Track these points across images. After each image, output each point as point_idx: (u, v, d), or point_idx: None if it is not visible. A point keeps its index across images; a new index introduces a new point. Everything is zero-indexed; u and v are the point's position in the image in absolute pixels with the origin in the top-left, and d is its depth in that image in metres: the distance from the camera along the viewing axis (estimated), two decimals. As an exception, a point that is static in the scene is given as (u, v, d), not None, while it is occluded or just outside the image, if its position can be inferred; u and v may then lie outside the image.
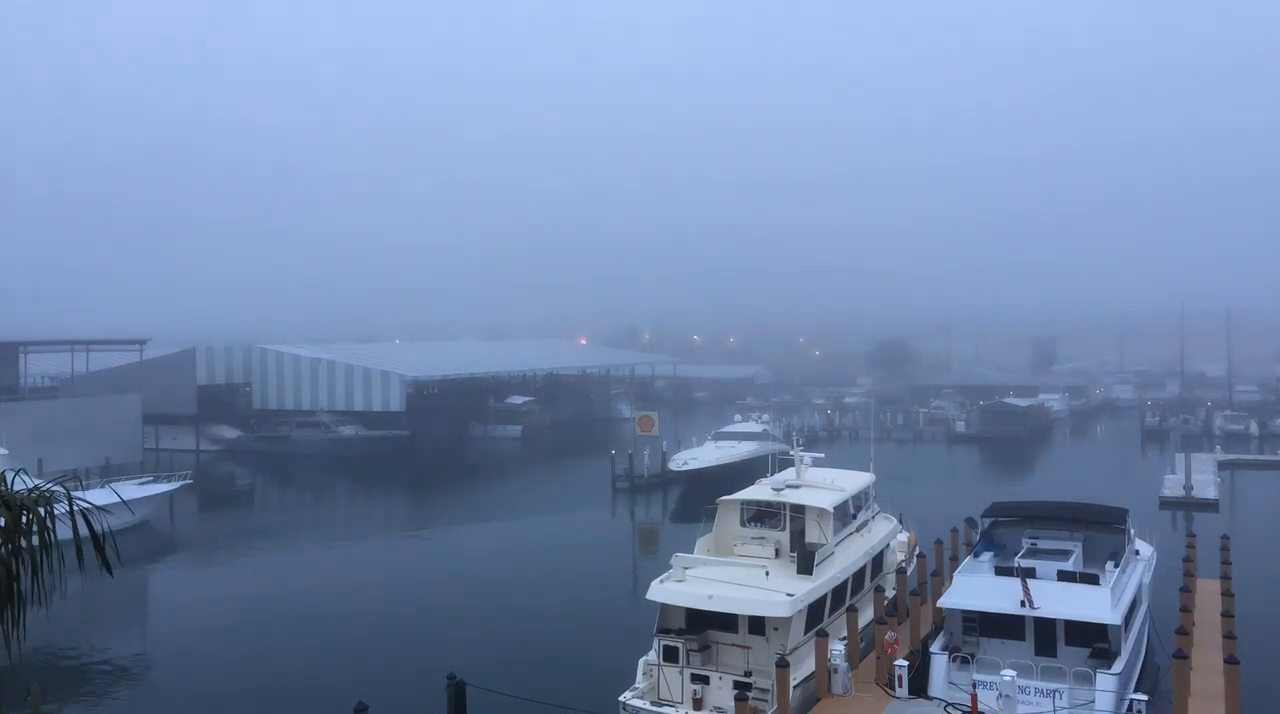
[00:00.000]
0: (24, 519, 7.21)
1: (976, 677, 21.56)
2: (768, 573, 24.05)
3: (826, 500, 27.12)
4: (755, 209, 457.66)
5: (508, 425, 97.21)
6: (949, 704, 21.45)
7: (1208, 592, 29.56)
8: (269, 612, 35.46)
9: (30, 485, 7.61)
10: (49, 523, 7.32)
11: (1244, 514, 54.69)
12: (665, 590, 23.74)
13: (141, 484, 51.56)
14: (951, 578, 26.33)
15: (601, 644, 29.63)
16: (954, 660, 22.65)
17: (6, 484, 7.49)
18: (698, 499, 43.70)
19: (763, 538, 27.07)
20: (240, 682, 27.99)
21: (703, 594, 23.15)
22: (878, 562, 29.33)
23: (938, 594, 28.37)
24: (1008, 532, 28.11)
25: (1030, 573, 23.48)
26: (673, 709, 22.06)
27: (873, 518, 31.20)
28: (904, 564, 31.08)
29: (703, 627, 23.43)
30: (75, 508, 7.32)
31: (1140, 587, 25.95)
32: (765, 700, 21.55)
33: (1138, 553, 28.30)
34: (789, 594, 22.80)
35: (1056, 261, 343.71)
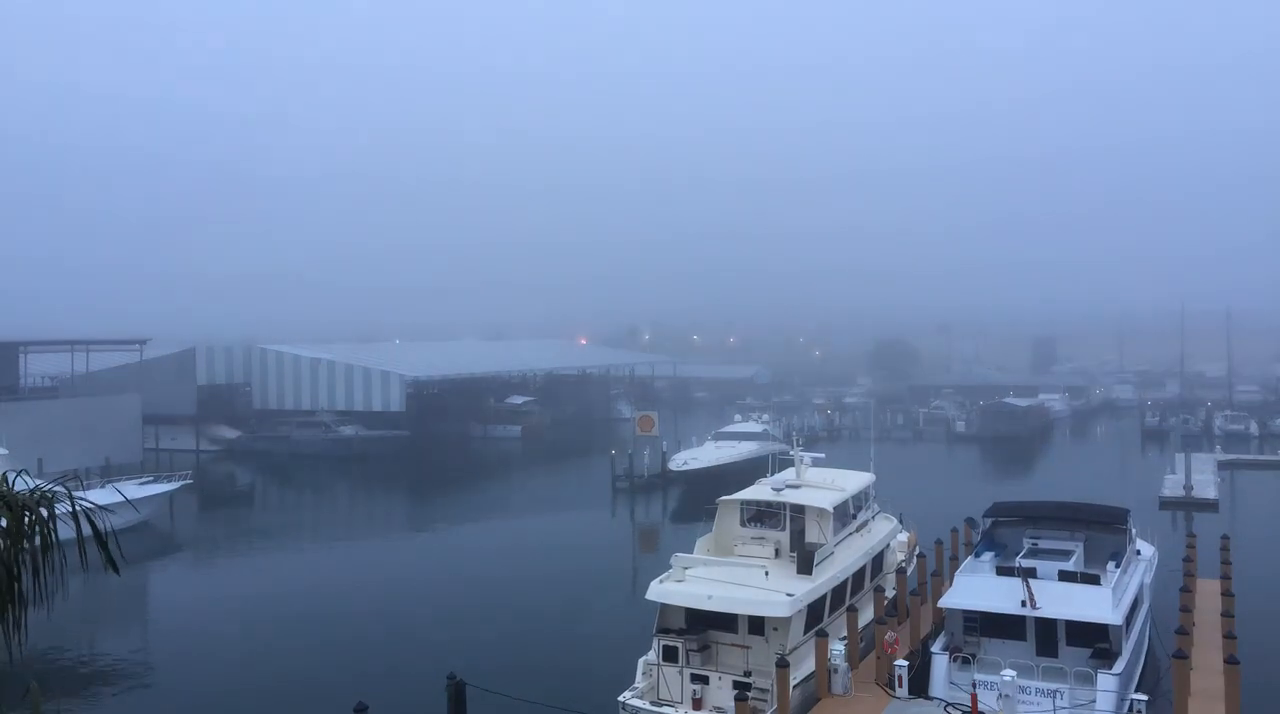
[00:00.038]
0: (26, 519, 7.21)
1: (977, 676, 21.56)
2: (767, 573, 24.05)
3: (826, 500, 27.13)
4: (755, 209, 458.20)
5: (508, 425, 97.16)
6: (949, 704, 21.45)
7: (1208, 592, 29.55)
8: (269, 612, 35.46)
9: (31, 486, 7.61)
10: (50, 523, 7.32)
11: (1244, 514, 54.69)
12: (665, 590, 23.75)
13: (141, 484, 51.54)
14: (952, 578, 26.34)
15: (601, 644, 29.64)
16: (955, 660, 22.66)
17: (8, 484, 7.49)
18: (698, 499, 43.72)
19: (763, 538, 27.08)
20: (240, 682, 27.99)
21: (702, 594, 23.16)
22: (878, 562, 29.33)
23: (938, 594, 28.38)
24: (1009, 532, 28.11)
25: (1031, 573, 23.49)
26: (672, 709, 22.06)
27: (873, 518, 31.20)
28: (904, 564, 31.09)
29: (702, 627, 23.43)
30: (78, 508, 7.33)
31: (1142, 587, 25.95)
32: (765, 700, 21.55)
33: (1139, 553, 28.30)
34: (789, 594, 22.81)
35: (1056, 261, 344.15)
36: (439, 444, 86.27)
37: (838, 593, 25.45)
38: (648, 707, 22.13)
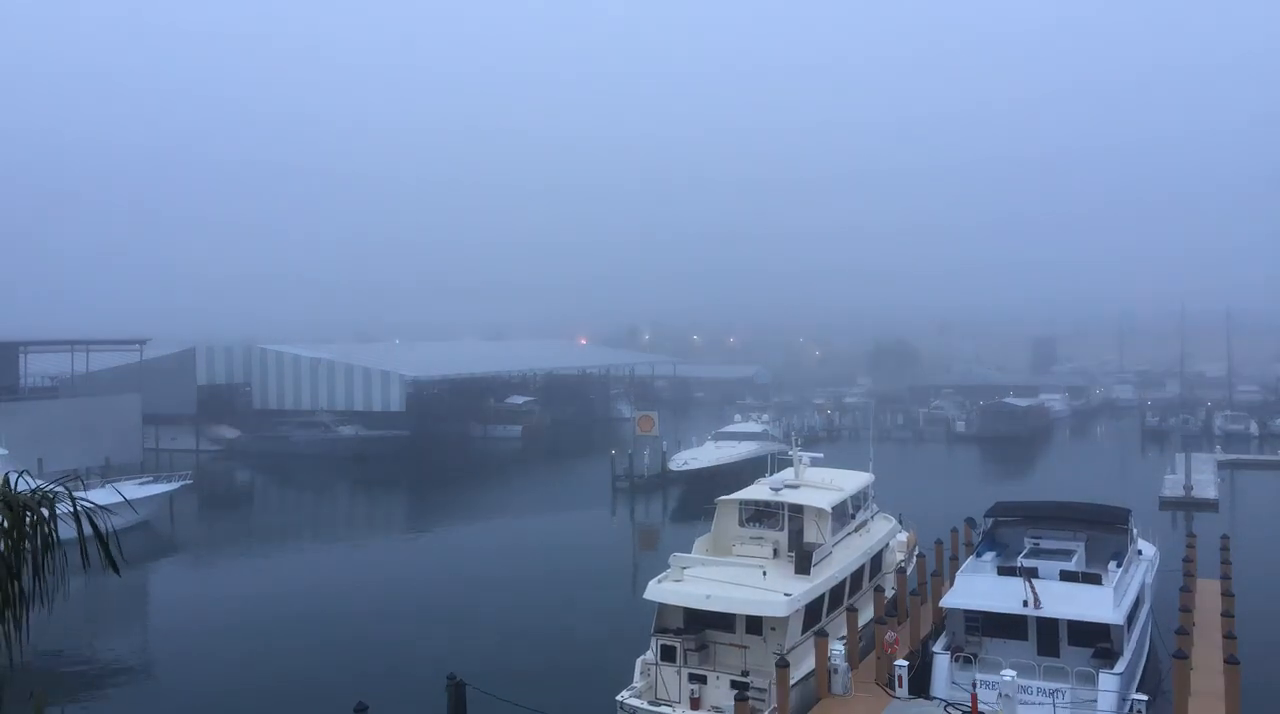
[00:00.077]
0: (26, 520, 7.22)
1: (978, 676, 21.57)
2: (765, 573, 24.06)
3: (824, 500, 27.14)
4: (755, 209, 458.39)
5: (508, 425, 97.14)
6: (950, 704, 21.46)
7: (1208, 592, 29.56)
8: (269, 612, 35.47)
9: (32, 486, 7.62)
10: (51, 523, 7.33)
11: (1244, 514, 54.68)
12: (663, 590, 23.76)
13: (141, 484, 51.53)
14: (952, 578, 26.36)
15: (599, 644, 29.64)
16: (956, 660, 22.67)
17: (8, 484, 7.50)
18: (697, 499, 43.71)
19: (761, 538, 27.10)
20: (241, 682, 28.00)
21: (700, 594, 23.17)
22: (877, 561, 29.34)
23: (938, 594, 28.40)
24: (1010, 531, 28.13)
25: (1033, 573, 23.50)
26: (670, 709, 22.07)
27: (871, 518, 31.22)
28: (903, 564, 31.11)
29: (700, 626, 23.45)
30: (78, 508, 7.34)
31: (1143, 586, 25.96)
32: (763, 700, 21.56)
33: (1140, 553, 28.30)
34: (786, 594, 22.82)
35: (1056, 262, 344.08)
36: (439, 444, 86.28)
37: (836, 593, 25.46)
38: (646, 706, 22.14)
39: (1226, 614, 25.23)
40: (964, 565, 26.54)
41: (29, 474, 7.94)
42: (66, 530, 7.39)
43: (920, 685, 22.81)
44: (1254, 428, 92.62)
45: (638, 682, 23.00)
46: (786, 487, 28.02)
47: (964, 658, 22.78)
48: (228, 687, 27.59)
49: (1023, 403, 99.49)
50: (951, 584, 25.64)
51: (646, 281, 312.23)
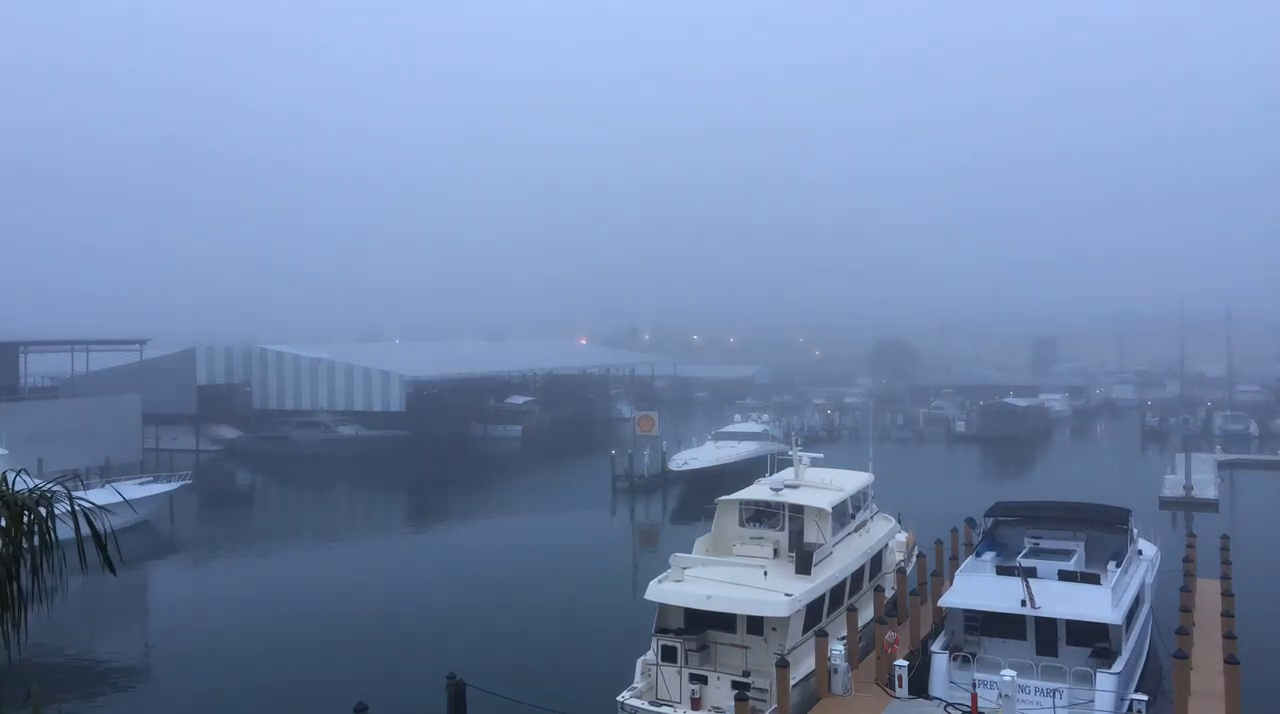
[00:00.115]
0: (25, 519, 7.22)
1: (977, 676, 21.58)
2: (766, 573, 24.07)
3: (825, 500, 27.15)
4: (755, 208, 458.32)
5: (508, 425, 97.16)
6: (949, 704, 21.46)
7: (1208, 592, 29.56)
8: (269, 612, 35.47)
9: (31, 485, 7.61)
10: (50, 523, 7.32)
11: (1244, 514, 54.69)
12: (663, 590, 23.76)
13: (141, 484, 51.55)
14: (952, 578, 26.35)
15: (600, 644, 29.65)
16: (955, 660, 22.68)
17: (7, 484, 7.50)
18: (697, 499, 43.76)
19: (761, 538, 27.10)
20: (240, 682, 28.00)
21: (701, 594, 23.17)
22: (877, 562, 29.35)
23: (937, 594, 28.39)
24: (1010, 531, 28.15)
25: (1032, 572, 23.51)
26: (671, 709, 22.08)
27: (871, 518, 31.23)
28: (903, 564, 31.12)
29: (701, 626, 23.45)
30: (77, 508, 7.33)
31: (1143, 586, 25.96)
32: (764, 700, 21.56)
33: (1140, 553, 28.30)
34: (787, 594, 22.82)
35: (1056, 262, 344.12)
36: (439, 444, 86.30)
37: (836, 593, 25.47)
38: (646, 706, 22.14)
39: (1226, 614, 25.23)
40: (963, 565, 26.55)
41: (27, 473, 7.93)
42: (66, 530, 7.39)
43: (920, 685, 22.81)
44: (1254, 428, 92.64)
45: (638, 682, 23.00)
46: (787, 487, 28.02)
47: (963, 658, 22.79)
48: (227, 686, 27.59)
49: (1023, 403, 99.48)
50: (951, 584, 25.64)
51: (647, 281, 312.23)
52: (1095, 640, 22.11)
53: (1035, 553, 26.17)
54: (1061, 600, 22.56)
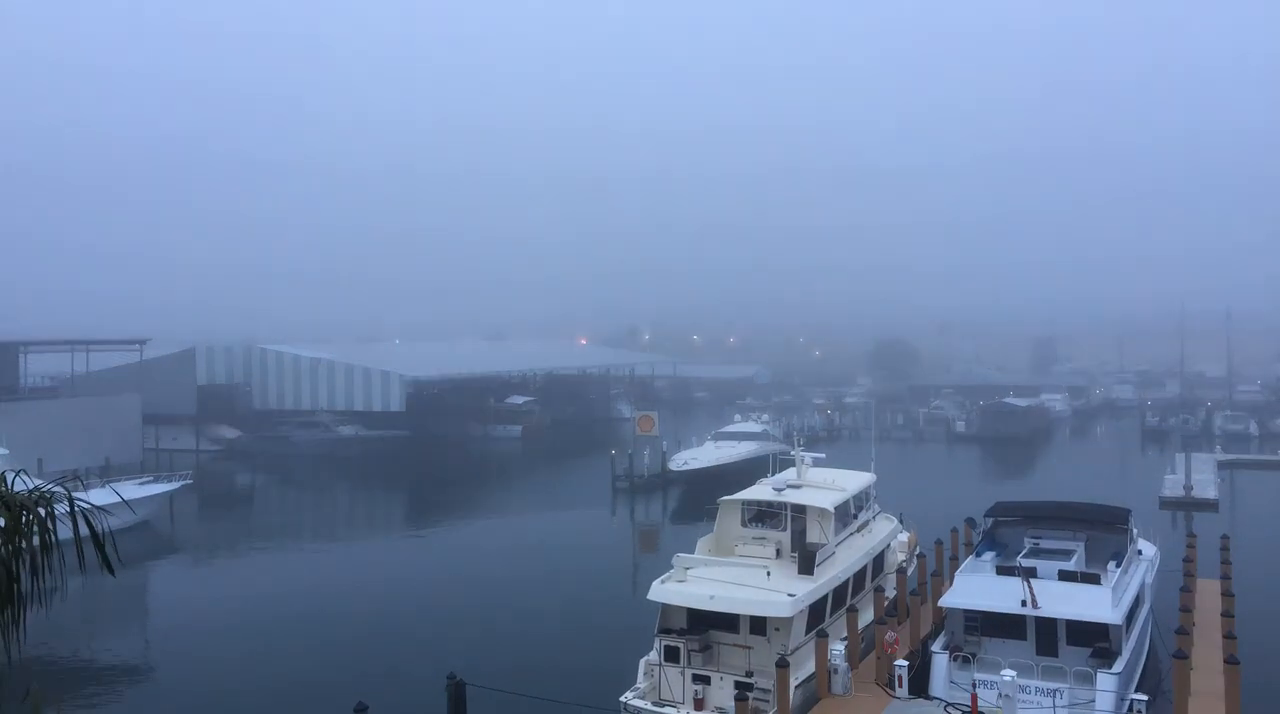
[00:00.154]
0: (24, 519, 7.20)
1: (978, 676, 21.57)
2: (769, 573, 24.05)
3: (827, 501, 27.13)
4: (755, 207, 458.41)
5: (508, 425, 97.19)
6: (949, 704, 21.45)
7: (1208, 592, 29.55)
8: (269, 612, 35.46)
9: (31, 486, 7.60)
10: (50, 523, 7.31)
11: (1244, 514, 54.68)
12: (666, 590, 23.75)
13: (141, 484, 51.55)
14: (952, 578, 26.34)
15: (602, 644, 29.63)
16: (955, 660, 22.66)
17: (7, 484, 7.48)
18: (698, 499, 43.77)
19: (764, 538, 27.08)
20: (240, 682, 27.98)
21: (704, 594, 23.15)
22: (878, 562, 29.33)
23: (938, 594, 28.38)
24: (1010, 531, 28.13)
25: (1032, 572, 23.50)
26: (674, 709, 22.06)
27: (873, 518, 31.21)
28: (904, 564, 31.11)
29: (704, 627, 23.43)
30: (76, 508, 7.31)
31: (1143, 586, 25.96)
32: (766, 701, 21.55)
33: (1140, 553, 28.30)
34: (790, 594, 22.81)
35: (1056, 262, 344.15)
36: (439, 444, 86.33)
37: (839, 593, 25.46)
38: (649, 707, 22.13)
39: (1226, 614, 25.22)
40: (964, 565, 26.54)
41: (27, 474, 7.92)
42: (65, 531, 7.38)
43: (920, 685, 22.80)
44: (1254, 428, 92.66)
45: (641, 682, 22.99)
46: (789, 487, 28.01)
47: (963, 658, 22.77)
48: (227, 686, 27.58)
49: (1023, 403, 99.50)
50: (951, 584, 25.63)
51: (647, 281, 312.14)
52: (1096, 641, 22.10)
53: (1035, 553, 26.15)
54: (1062, 600, 22.55)
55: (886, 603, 26.32)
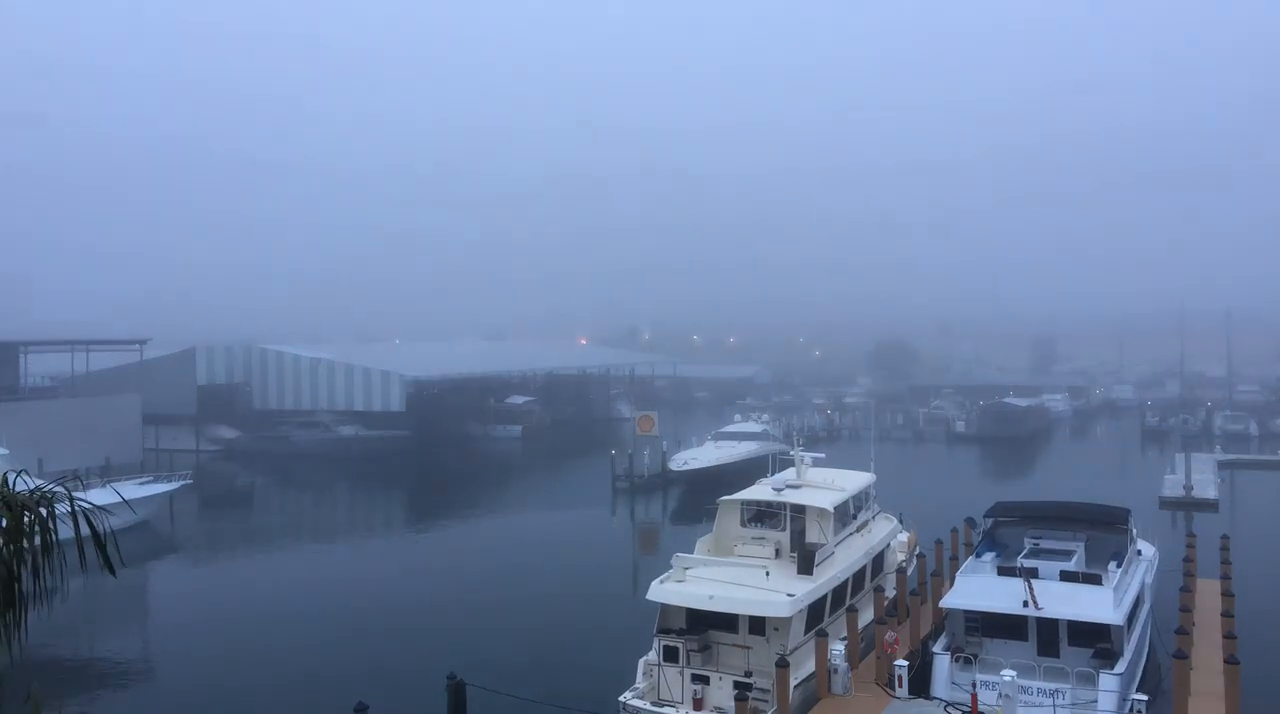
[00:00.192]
0: (25, 520, 7.21)
1: (978, 677, 21.57)
2: (768, 573, 24.06)
3: (827, 500, 27.14)
4: (755, 205, 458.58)
5: (508, 425, 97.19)
6: (949, 704, 21.46)
7: (1208, 592, 29.56)
8: (269, 611, 35.47)
9: (31, 486, 7.60)
10: (50, 523, 7.31)
11: (1244, 514, 54.70)
12: (665, 590, 23.75)
13: (141, 484, 51.56)
14: (952, 578, 26.35)
15: (601, 644, 29.63)
16: (956, 660, 22.67)
17: (7, 484, 7.49)
18: (698, 499, 43.80)
19: (763, 538, 27.09)
20: (240, 681, 27.99)
21: (703, 594, 23.16)
22: (878, 562, 29.33)
23: (938, 594, 28.40)
24: (1010, 532, 28.14)
25: (1033, 573, 23.51)
26: (673, 709, 22.06)
27: (873, 518, 31.21)
28: (904, 564, 31.11)
29: (703, 627, 23.44)
30: (77, 508, 7.32)
31: (1143, 587, 25.96)
32: (765, 701, 21.56)
33: (1140, 553, 28.31)
34: (789, 594, 22.81)
35: (1056, 262, 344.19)
36: (439, 444, 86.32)
37: (838, 593, 25.46)
38: (648, 707, 22.13)
39: (1226, 614, 25.22)
40: (964, 565, 26.55)
41: (27, 474, 7.92)
42: (66, 531, 7.38)
43: (920, 686, 22.81)
44: (1254, 428, 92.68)
45: (640, 682, 22.99)
46: (788, 487, 28.02)
47: (964, 658, 22.78)
48: (227, 686, 27.59)
49: (1023, 403, 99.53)
50: (951, 584, 25.63)
51: (647, 280, 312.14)
52: (1097, 641, 22.11)
53: (1035, 553, 26.16)
54: (1063, 601, 22.56)
55: (886, 603, 26.32)
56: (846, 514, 28.81)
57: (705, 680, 22.50)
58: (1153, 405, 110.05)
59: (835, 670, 22.67)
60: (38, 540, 7.23)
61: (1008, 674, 20.34)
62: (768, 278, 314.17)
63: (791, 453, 31.63)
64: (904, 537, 32.03)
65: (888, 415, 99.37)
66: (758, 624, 23.34)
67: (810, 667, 22.71)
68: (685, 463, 61.95)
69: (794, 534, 26.88)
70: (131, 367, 79.30)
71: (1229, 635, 23.29)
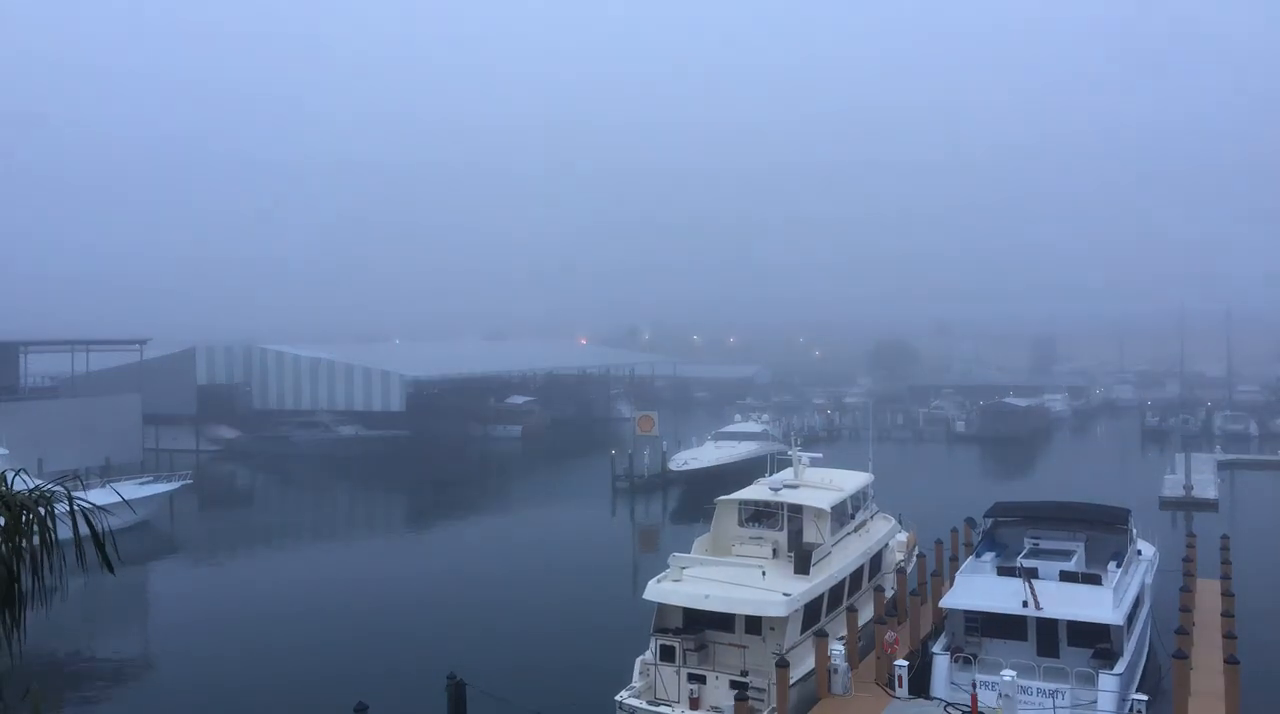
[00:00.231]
0: (24, 519, 7.22)
1: (978, 677, 21.57)
2: (764, 573, 24.06)
3: (824, 500, 27.15)
4: (755, 204, 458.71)
5: (508, 425, 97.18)
6: (949, 704, 21.46)
7: (1208, 591, 29.57)
8: (269, 611, 35.48)
9: (31, 485, 7.61)
10: (50, 523, 7.33)
11: (1244, 514, 54.69)
12: (662, 590, 23.76)
13: (141, 484, 51.57)
14: (952, 578, 26.36)
15: (599, 643, 29.63)
16: (956, 660, 22.67)
17: (7, 484, 7.50)
18: (697, 499, 43.76)
19: (760, 538, 27.10)
20: (240, 681, 28.01)
21: (699, 594, 23.17)
22: (876, 561, 29.33)
23: (938, 594, 28.41)
24: (1010, 532, 28.15)
25: (1033, 573, 23.51)
26: (669, 709, 22.07)
27: (871, 518, 31.21)
28: (903, 564, 31.12)
29: (700, 626, 23.45)
30: (76, 508, 7.33)
31: (1143, 587, 25.97)
32: (762, 700, 21.57)
33: (1140, 553, 28.31)
34: (785, 594, 22.82)
35: (1056, 260, 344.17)
36: (439, 444, 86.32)
37: (835, 593, 25.46)
38: (645, 706, 22.14)
39: (1226, 614, 25.22)
40: (964, 565, 26.55)
41: (27, 473, 7.94)
42: (65, 530, 7.40)
43: (920, 685, 22.82)
44: (1254, 428, 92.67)
45: (637, 681, 23.00)
46: (786, 487, 28.03)
47: (964, 658, 22.78)
48: (227, 686, 27.60)
49: (1023, 403, 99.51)
50: (951, 584, 25.63)
51: (647, 280, 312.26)
52: (1097, 641, 22.11)
53: (1035, 553, 26.16)
54: (1063, 601, 22.56)
55: (886, 603, 26.33)
56: (844, 514, 28.81)
57: (701, 680, 22.51)
58: (1153, 405, 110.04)
59: (835, 670, 22.67)
60: (37, 540, 7.24)
61: (1007, 674, 20.34)
62: (768, 278, 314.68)
63: (789, 453, 31.65)
64: (902, 536, 32.04)
65: (888, 415, 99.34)
66: (754, 624, 23.35)
67: (807, 666, 22.72)
68: (685, 463, 61.95)
69: (791, 534, 26.89)
70: (131, 367, 79.30)
71: (1229, 635, 23.30)
